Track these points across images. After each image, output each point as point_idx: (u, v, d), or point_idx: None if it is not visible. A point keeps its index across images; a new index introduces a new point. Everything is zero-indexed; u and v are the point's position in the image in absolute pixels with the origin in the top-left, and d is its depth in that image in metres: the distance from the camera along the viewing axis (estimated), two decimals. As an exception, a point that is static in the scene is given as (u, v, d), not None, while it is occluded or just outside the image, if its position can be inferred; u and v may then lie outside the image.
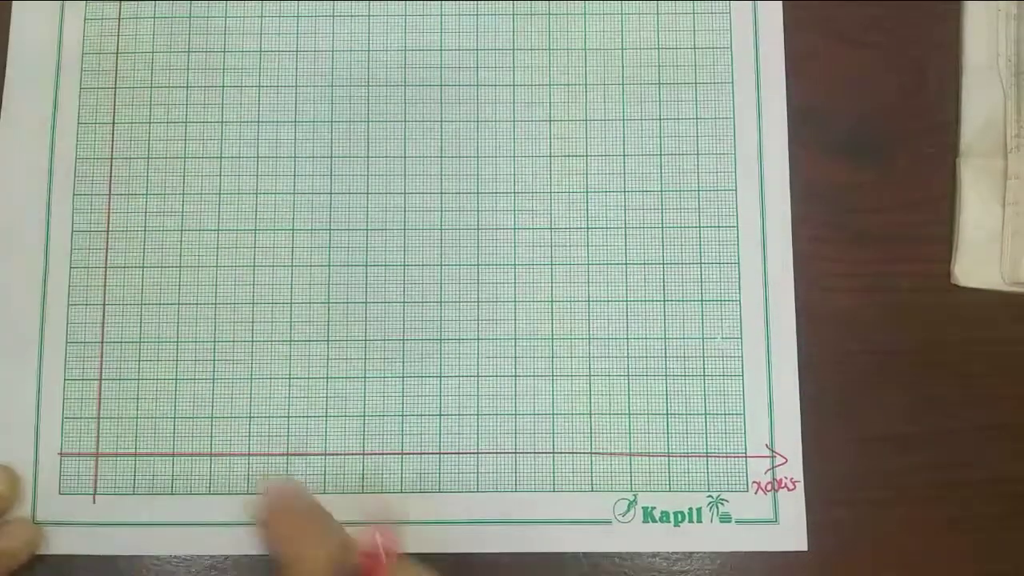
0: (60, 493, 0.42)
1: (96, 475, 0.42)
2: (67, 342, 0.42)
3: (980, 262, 0.44)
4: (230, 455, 0.42)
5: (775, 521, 0.41)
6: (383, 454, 0.42)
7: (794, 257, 0.44)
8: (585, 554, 0.42)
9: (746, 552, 0.42)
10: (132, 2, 0.45)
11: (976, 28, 0.45)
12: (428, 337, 0.43)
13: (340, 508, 0.40)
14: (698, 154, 0.44)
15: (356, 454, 0.42)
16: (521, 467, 0.42)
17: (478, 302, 0.43)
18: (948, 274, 0.44)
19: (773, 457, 0.42)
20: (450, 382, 0.42)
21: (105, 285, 0.43)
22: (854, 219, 0.44)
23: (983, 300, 0.44)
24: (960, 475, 0.43)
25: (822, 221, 0.44)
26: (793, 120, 0.45)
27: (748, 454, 0.42)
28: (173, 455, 0.42)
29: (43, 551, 0.41)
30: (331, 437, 0.42)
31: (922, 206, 0.44)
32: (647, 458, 0.42)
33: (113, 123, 0.44)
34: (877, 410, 0.43)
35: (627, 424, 0.42)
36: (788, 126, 0.45)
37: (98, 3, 0.45)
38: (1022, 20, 0.45)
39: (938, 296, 0.44)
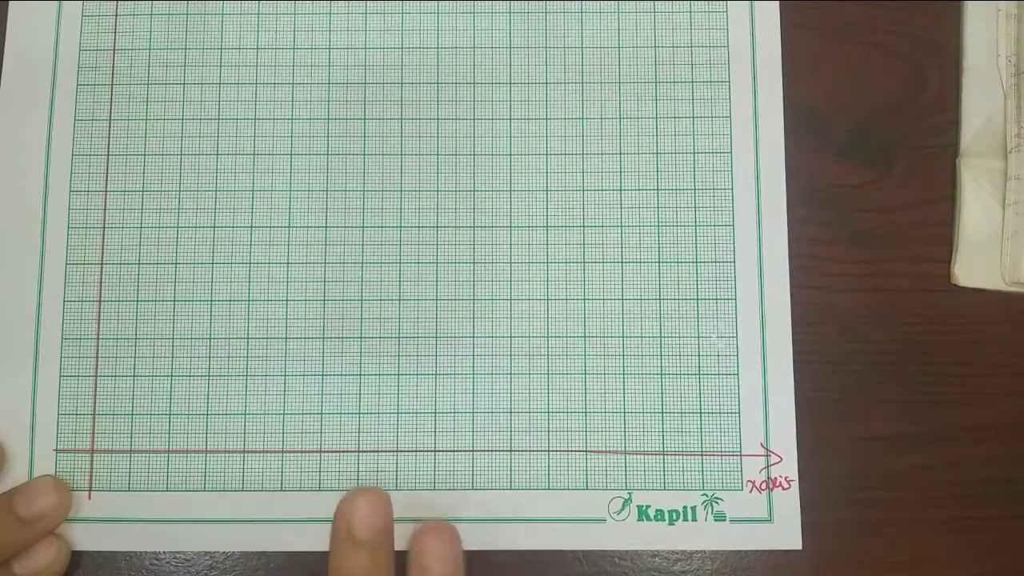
0: (55, 490, 0.45)
1: (91, 471, 0.44)
2: (62, 338, 0.45)
3: (980, 262, 0.46)
4: (225, 452, 0.44)
5: (770, 520, 0.44)
6: (378, 451, 0.44)
7: (794, 257, 0.46)
8: (584, 555, 0.44)
9: (741, 552, 0.44)
10: (129, 0, 0.48)
11: (976, 28, 0.48)
12: (424, 334, 0.45)
13: (335, 506, 0.42)
14: (694, 152, 0.46)
15: (351, 451, 0.44)
16: (516, 465, 0.44)
17: (473, 299, 0.45)
18: (948, 274, 0.46)
19: (768, 456, 0.44)
20: (445, 380, 0.45)
21: (101, 281, 0.45)
22: (854, 219, 0.47)
23: (983, 300, 0.46)
24: (959, 475, 0.45)
25: (822, 221, 0.47)
26: (793, 120, 0.47)
27: (743, 453, 0.44)
28: (168, 452, 0.44)
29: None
30: (326, 434, 0.44)
31: (922, 206, 0.47)
32: (642, 457, 0.44)
33: (110, 120, 0.47)
34: (876, 410, 0.45)
35: (622, 422, 0.45)
36: (788, 126, 0.47)
37: (95, 1, 0.48)
38: (1022, 20, 0.47)
39: (938, 296, 0.46)
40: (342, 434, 0.45)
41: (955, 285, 0.47)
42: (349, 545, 0.41)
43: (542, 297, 0.46)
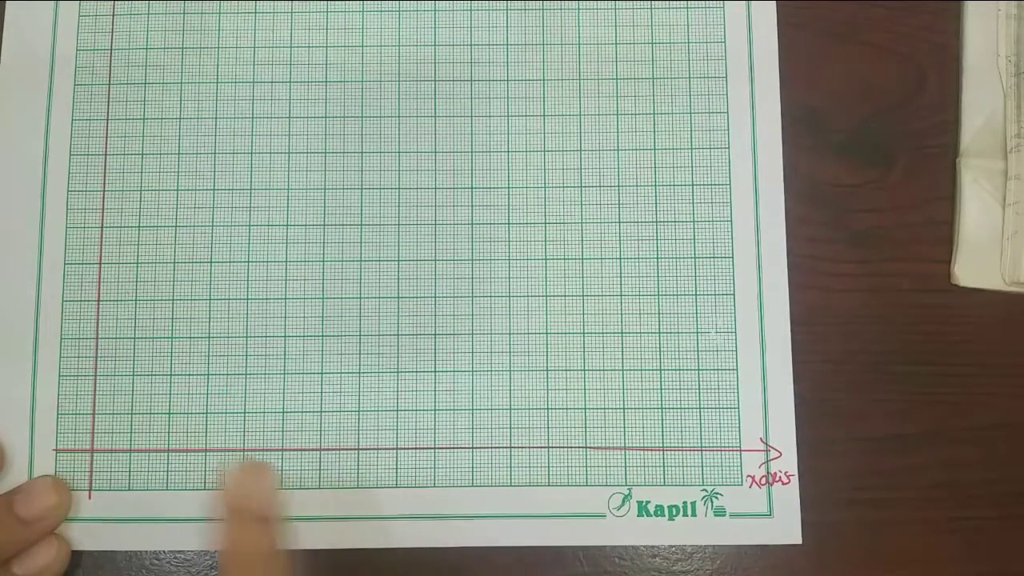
0: (54, 490, 0.47)
1: (91, 471, 0.48)
2: (62, 338, 0.49)
3: (980, 262, 0.50)
4: (225, 451, 0.48)
5: (769, 515, 0.47)
6: (378, 449, 0.48)
7: (794, 257, 0.50)
8: (585, 555, 0.48)
9: (742, 547, 0.48)
10: (126, 1, 0.52)
11: (976, 28, 0.52)
12: (422, 332, 0.49)
13: (335, 504, 0.47)
14: (692, 149, 0.50)
15: (351, 449, 0.48)
16: (516, 461, 0.48)
17: (472, 297, 0.49)
18: (948, 274, 0.50)
19: (767, 451, 0.48)
20: (444, 377, 0.49)
21: (99, 281, 0.49)
22: (854, 219, 0.50)
23: (983, 300, 0.50)
24: (960, 475, 0.49)
25: (822, 221, 0.50)
26: (793, 120, 0.51)
27: (742, 448, 0.48)
28: (168, 451, 0.48)
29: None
30: (326, 432, 0.48)
31: (922, 206, 0.51)
32: (642, 452, 0.48)
33: (107, 120, 0.50)
34: (876, 410, 0.49)
35: (622, 418, 0.48)
36: (787, 126, 0.51)
37: (92, 1, 0.52)
38: (1022, 20, 0.51)
39: (938, 296, 0.50)
40: (342, 432, 0.49)
41: (955, 285, 0.50)
42: (234, 519, 0.44)
43: (541, 294, 0.50)
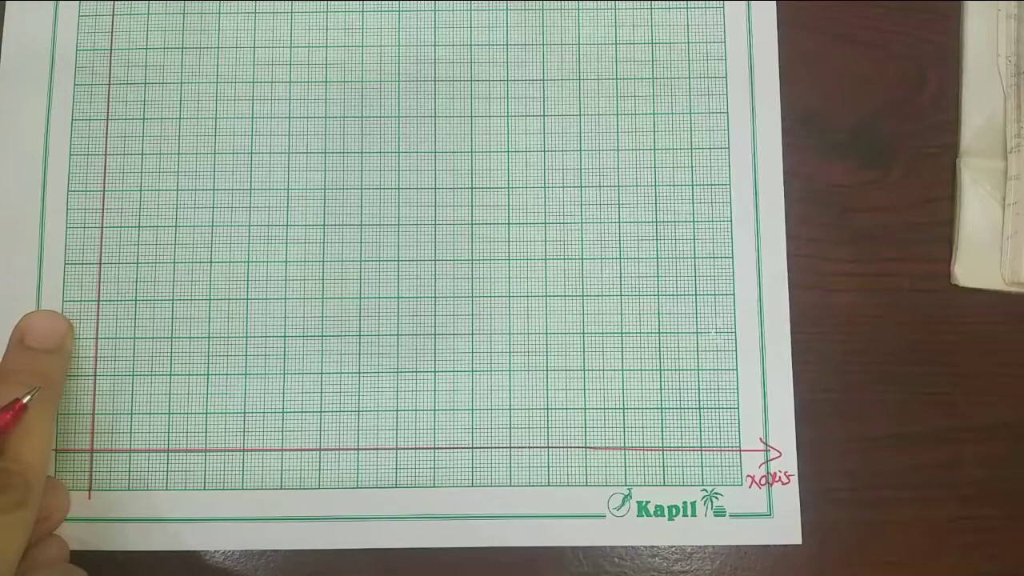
0: (54, 490, 0.47)
1: (91, 471, 0.48)
2: None
3: (980, 262, 0.50)
4: (224, 451, 0.48)
5: (769, 515, 0.48)
6: (378, 449, 0.48)
7: (794, 257, 0.50)
8: (585, 555, 0.48)
9: (742, 547, 0.48)
10: (126, 1, 0.52)
11: (976, 28, 0.52)
12: (422, 332, 0.49)
13: (335, 503, 0.48)
14: (692, 149, 0.50)
15: (351, 449, 0.48)
16: (516, 461, 0.48)
17: (471, 296, 0.49)
18: (948, 274, 0.50)
19: (767, 451, 0.48)
20: (444, 377, 0.49)
21: (100, 281, 0.49)
22: (854, 219, 0.51)
23: (983, 300, 0.50)
24: (960, 475, 0.49)
25: (822, 221, 0.50)
26: (793, 120, 0.51)
27: (742, 448, 0.48)
28: (168, 451, 0.48)
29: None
30: (326, 432, 0.48)
31: (922, 206, 0.51)
32: (641, 452, 0.48)
33: (107, 119, 0.51)
34: (876, 410, 0.49)
35: (621, 418, 0.48)
36: (788, 126, 0.51)
37: (92, 1, 0.52)
38: (1022, 20, 0.51)
39: (938, 296, 0.50)
40: (341, 432, 0.49)
41: (955, 285, 0.50)
42: (19, 349, 0.46)
43: (541, 294, 0.50)
